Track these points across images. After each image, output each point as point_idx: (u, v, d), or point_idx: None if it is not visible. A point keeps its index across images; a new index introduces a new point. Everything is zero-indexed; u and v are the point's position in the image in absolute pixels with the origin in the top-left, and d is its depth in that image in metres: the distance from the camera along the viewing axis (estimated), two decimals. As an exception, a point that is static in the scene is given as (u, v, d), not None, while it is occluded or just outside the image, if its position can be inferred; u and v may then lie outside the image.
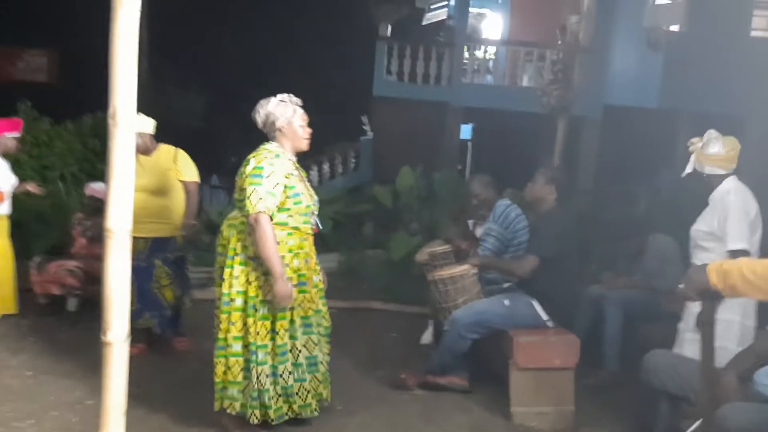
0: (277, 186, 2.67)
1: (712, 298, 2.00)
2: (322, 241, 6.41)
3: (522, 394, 3.18)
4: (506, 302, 3.33)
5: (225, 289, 2.73)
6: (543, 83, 6.50)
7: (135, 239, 3.27)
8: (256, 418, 2.72)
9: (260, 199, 2.63)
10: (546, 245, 3.28)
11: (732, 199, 2.88)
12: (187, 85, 13.90)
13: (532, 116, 7.35)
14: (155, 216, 3.60)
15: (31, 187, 4.34)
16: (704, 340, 2.08)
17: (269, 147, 2.80)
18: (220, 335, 2.74)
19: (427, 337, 4.20)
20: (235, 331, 2.72)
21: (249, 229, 2.68)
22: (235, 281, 2.71)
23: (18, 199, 4.41)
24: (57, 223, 5.50)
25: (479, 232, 4.22)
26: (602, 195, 7.04)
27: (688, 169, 3.01)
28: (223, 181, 10.09)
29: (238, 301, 2.72)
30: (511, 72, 10.57)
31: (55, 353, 3.59)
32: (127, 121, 2.02)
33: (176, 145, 3.83)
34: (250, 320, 2.70)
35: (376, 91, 10.43)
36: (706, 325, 2.06)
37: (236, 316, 2.73)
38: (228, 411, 2.75)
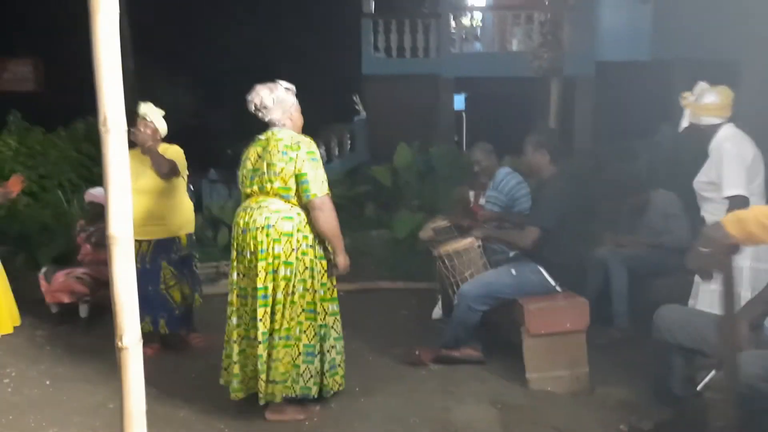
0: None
1: (733, 252, 1.98)
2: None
3: (536, 360, 3.21)
4: (513, 271, 3.34)
5: (292, 281, 2.75)
6: (533, 46, 6.43)
7: (137, 242, 3.29)
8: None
9: (322, 182, 2.75)
10: (547, 216, 3.27)
11: (727, 146, 2.87)
12: (175, 81, 13.78)
13: (525, 81, 7.28)
14: (157, 218, 3.59)
15: (14, 186, 4.22)
16: (725, 292, 2.05)
17: (292, 133, 2.83)
18: (287, 326, 2.76)
19: (437, 312, 4.23)
20: (300, 318, 2.81)
21: (307, 216, 2.76)
22: (305, 272, 2.77)
23: (20, 212, 4.42)
24: (60, 232, 5.52)
25: (482, 201, 4.23)
26: (602, 154, 7.00)
27: (684, 124, 2.99)
28: (221, 175, 10.07)
29: (302, 290, 2.79)
30: (500, 37, 10.45)
31: (72, 360, 3.63)
32: (118, 127, 2.00)
33: (170, 142, 3.81)
34: (318, 303, 2.83)
35: (366, 70, 10.34)
36: (727, 277, 2.02)
37: (303, 303, 2.81)
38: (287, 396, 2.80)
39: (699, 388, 2.39)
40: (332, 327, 2.93)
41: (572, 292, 3.34)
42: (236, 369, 2.83)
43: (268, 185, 2.76)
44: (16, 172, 6.33)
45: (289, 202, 2.77)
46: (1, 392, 3.26)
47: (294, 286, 2.75)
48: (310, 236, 2.79)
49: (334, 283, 2.96)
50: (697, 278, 3.09)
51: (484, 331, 3.46)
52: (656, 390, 2.91)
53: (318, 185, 2.73)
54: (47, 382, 3.36)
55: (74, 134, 7.36)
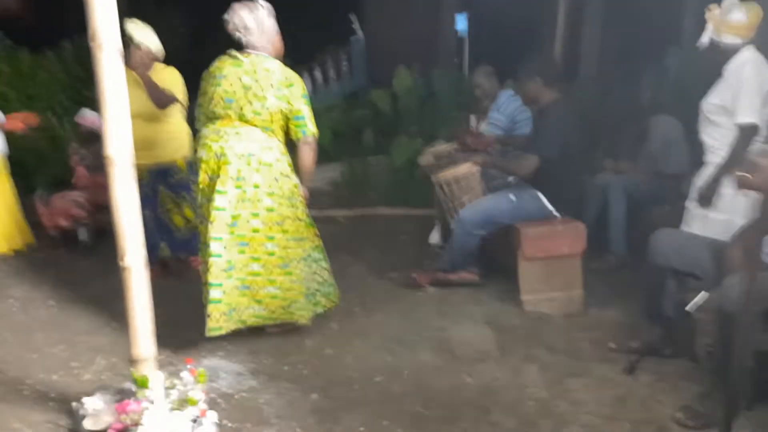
0: None
1: None
2: (322, 152, 6.38)
3: (531, 282, 3.27)
4: (512, 197, 3.34)
5: (276, 210, 2.76)
6: (540, -37, 6.10)
7: (136, 167, 3.24)
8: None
9: (313, 122, 2.80)
10: (548, 145, 3.23)
11: (747, 70, 2.76)
12: (170, 3, 13.20)
13: (531, 0, 6.98)
14: (152, 142, 3.52)
15: (23, 121, 4.20)
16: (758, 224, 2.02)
17: (276, 63, 2.76)
18: (281, 254, 2.79)
19: (435, 236, 4.27)
20: (293, 246, 2.86)
21: (287, 141, 2.80)
22: (287, 200, 2.79)
23: (12, 136, 4.35)
24: (54, 156, 5.45)
25: (483, 126, 4.17)
26: (607, 78, 6.82)
27: (704, 39, 2.84)
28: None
29: (289, 219, 2.83)
30: (505, -47, 9.91)
31: (75, 282, 3.68)
32: (110, 41, 1.93)
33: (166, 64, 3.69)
34: (305, 230, 2.88)
35: (363, -13, 9.88)
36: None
37: (292, 231, 2.85)
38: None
39: (688, 308, 2.47)
40: (318, 247, 2.99)
41: (571, 218, 3.36)
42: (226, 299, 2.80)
43: (251, 115, 2.69)
44: (5, 95, 6.18)
45: (266, 133, 2.73)
46: (8, 312, 3.33)
47: (281, 215, 2.76)
48: (288, 167, 2.80)
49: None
50: (688, 203, 3.10)
51: (481, 255, 3.50)
52: (647, 311, 2.99)
53: (312, 123, 2.79)
54: (51, 303, 3.44)
55: (62, 55, 7.11)
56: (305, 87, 2.80)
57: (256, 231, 2.75)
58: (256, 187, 2.71)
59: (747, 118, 2.74)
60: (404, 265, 3.88)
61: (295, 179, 2.85)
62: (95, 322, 3.17)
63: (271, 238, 2.77)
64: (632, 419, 2.30)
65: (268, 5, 2.77)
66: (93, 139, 4.32)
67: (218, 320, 2.76)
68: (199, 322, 3.10)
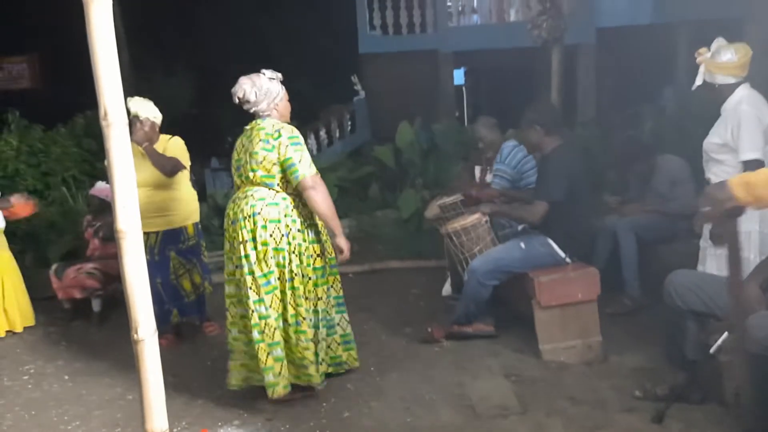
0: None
1: (736, 214, 1.96)
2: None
3: (549, 331, 3.22)
4: (522, 245, 3.33)
5: (287, 267, 2.77)
6: (532, 15, 6.31)
7: (145, 234, 3.28)
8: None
9: (309, 164, 2.76)
10: (554, 189, 3.25)
11: (745, 108, 2.79)
12: (171, 71, 13.68)
13: (525, 51, 7.19)
14: (162, 209, 3.59)
15: (18, 201, 4.26)
16: (731, 255, 2.05)
17: (275, 120, 2.82)
18: (293, 312, 2.78)
19: (447, 288, 4.24)
20: (304, 304, 2.83)
21: (295, 201, 2.78)
22: (296, 257, 2.78)
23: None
24: (68, 228, 5.54)
25: (488, 177, 4.21)
26: (606, 121, 6.93)
27: (698, 82, 2.89)
28: (223, 163, 10.05)
29: (300, 276, 2.80)
30: (497, 8, 10.27)
31: (88, 355, 3.67)
32: (120, 119, 1.99)
33: (170, 133, 3.80)
34: (321, 289, 2.87)
35: (363, 48, 10.22)
36: (732, 240, 2.02)
37: (302, 289, 2.82)
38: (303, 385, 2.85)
39: (712, 351, 2.40)
40: (332, 308, 2.96)
41: (582, 262, 3.34)
42: (243, 360, 2.86)
43: (251, 174, 2.77)
44: (20, 171, 6.35)
45: (273, 189, 2.77)
46: (22, 388, 3.30)
47: (292, 272, 2.77)
48: (299, 221, 2.80)
49: (333, 263, 2.95)
50: (702, 243, 3.07)
51: (495, 305, 3.46)
52: (669, 355, 2.92)
53: (305, 166, 2.73)
54: (66, 377, 3.41)
55: (74, 130, 7.34)
56: (299, 134, 2.78)
57: (272, 289, 2.76)
58: (264, 244, 2.73)
59: (751, 154, 2.76)
60: (418, 319, 3.84)
61: (312, 234, 2.84)
62: (110, 395, 3.13)
63: (284, 294, 2.77)
64: (665, 471, 2.21)
65: (270, 72, 2.86)
66: (107, 210, 4.40)
67: (281, 378, 2.77)
68: (214, 389, 3.07)
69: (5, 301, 4.13)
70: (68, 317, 4.31)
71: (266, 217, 2.74)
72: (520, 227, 3.59)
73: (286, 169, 2.73)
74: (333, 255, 2.95)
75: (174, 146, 3.69)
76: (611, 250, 3.82)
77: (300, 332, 2.79)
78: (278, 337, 2.76)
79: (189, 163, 3.76)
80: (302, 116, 10.16)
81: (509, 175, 4.00)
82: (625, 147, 4.40)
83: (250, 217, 2.74)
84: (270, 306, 2.75)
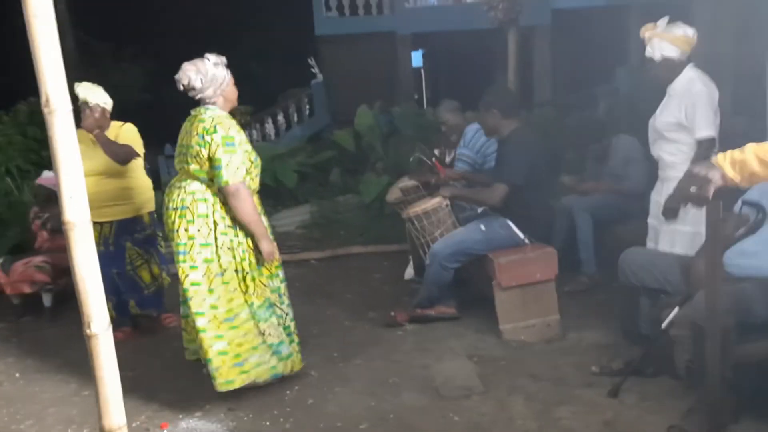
0: (244, 153, 2.72)
1: (726, 194, 1.91)
2: (290, 195, 6.37)
3: (509, 311, 3.27)
4: (482, 227, 3.36)
5: (216, 262, 2.69)
6: (488, -3, 6.30)
7: (98, 225, 3.17)
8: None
9: (237, 168, 2.66)
10: (513, 171, 3.28)
11: (699, 87, 2.89)
12: (122, 56, 13.19)
13: (482, 33, 7.21)
14: (115, 198, 3.47)
15: None
16: (713, 239, 2.05)
17: (218, 112, 2.73)
18: (226, 308, 2.71)
19: (409, 272, 4.26)
20: (238, 298, 2.73)
21: (224, 198, 2.69)
22: (227, 251, 2.71)
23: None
24: (14, 221, 5.30)
25: (448, 159, 4.22)
26: (562, 102, 7.04)
27: (655, 55, 2.93)
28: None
29: (231, 270, 2.72)
30: (454, -10, 10.26)
31: (40, 351, 3.54)
32: (63, 107, 1.90)
33: (122, 120, 3.66)
34: (250, 283, 2.75)
35: (319, 31, 10.08)
36: (715, 223, 1.99)
37: (235, 284, 2.73)
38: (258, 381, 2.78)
39: (664, 325, 2.49)
40: (274, 304, 2.84)
41: (541, 243, 3.39)
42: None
43: (186, 166, 2.72)
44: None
45: (204, 184, 2.72)
46: (-30, 389, 3.17)
47: (221, 266, 2.70)
48: (228, 217, 2.72)
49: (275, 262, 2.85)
50: (651, 221, 3.17)
51: (457, 287, 3.50)
52: (624, 331, 3.02)
53: (231, 172, 2.64)
54: (17, 375, 3.28)
55: (17, 118, 7.02)
56: (236, 134, 2.69)
57: (196, 284, 2.68)
58: (191, 238, 2.68)
59: (706, 132, 2.85)
60: (381, 304, 3.85)
61: (244, 230, 2.74)
62: (64, 392, 3.03)
63: (212, 291, 2.70)
64: (622, 443, 2.28)
65: (215, 57, 2.77)
66: (54, 201, 4.21)
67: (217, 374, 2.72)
68: (175, 382, 3.01)
69: None
70: (18, 313, 4.14)
71: (194, 211, 2.69)
72: (480, 210, 3.62)
73: (213, 168, 2.66)
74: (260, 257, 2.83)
75: (127, 133, 3.56)
76: (568, 230, 3.91)
77: (233, 328, 2.71)
78: (221, 330, 2.69)
79: (143, 151, 3.64)
80: (259, 100, 9.97)
81: (471, 159, 4.02)
82: (580, 128, 4.48)
83: (178, 209, 2.71)
84: (192, 300, 2.68)
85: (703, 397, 2.20)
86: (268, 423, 2.61)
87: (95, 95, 3.44)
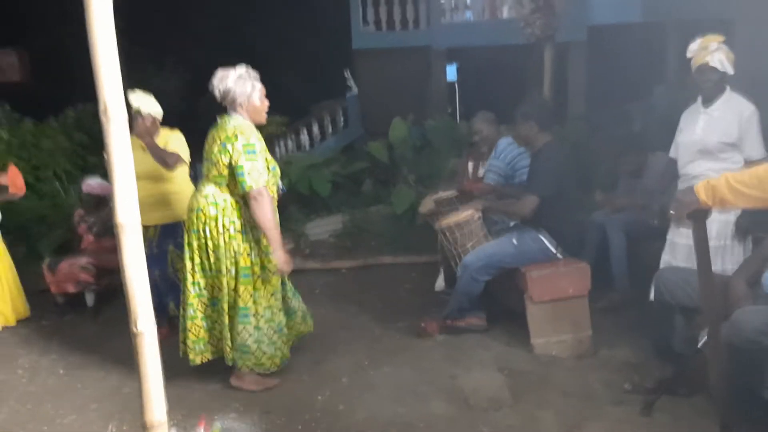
0: (264, 161, 2.85)
1: (701, 217, 2.12)
2: (324, 204, 6.47)
3: (540, 325, 3.27)
4: (514, 241, 3.38)
5: (243, 264, 2.87)
6: (524, 13, 6.35)
7: (144, 228, 3.28)
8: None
9: (260, 174, 2.78)
10: (544, 184, 3.29)
11: (752, 108, 2.92)
12: (165, 66, 13.60)
13: (517, 48, 7.22)
14: (161, 203, 3.61)
15: (15, 178, 4.25)
16: (700, 256, 2.15)
17: (240, 121, 2.84)
18: (247, 304, 2.89)
19: (440, 283, 4.28)
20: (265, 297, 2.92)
21: (246, 203, 2.83)
22: (231, 255, 2.86)
23: (18, 204, 4.42)
24: (60, 222, 5.52)
25: (481, 172, 4.24)
26: (597, 118, 6.99)
27: (712, 63, 2.91)
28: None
29: (246, 274, 2.88)
30: (490, 5, 10.29)
31: (82, 348, 3.67)
32: (119, 115, 2.00)
33: (170, 126, 3.80)
34: (247, 287, 2.90)
35: (356, 44, 10.22)
36: (700, 241, 2.14)
37: (257, 284, 2.90)
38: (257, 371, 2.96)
39: (700, 345, 2.46)
40: (255, 315, 2.93)
41: (573, 258, 3.39)
42: (202, 333, 2.99)
43: (207, 171, 2.89)
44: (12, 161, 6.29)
45: (219, 188, 2.85)
46: (17, 382, 3.31)
47: (222, 271, 2.85)
48: (238, 222, 2.85)
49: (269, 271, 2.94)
50: (670, 235, 3.15)
51: (487, 299, 3.51)
52: (658, 349, 2.99)
53: (254, 177, 2.76)
54: (60, 371, 3.41)
55: (65, 123, 7.31)
56: (256, 141, 2.79)
57: (216, 274, 2.88)
58: (202, 239, 2.86)
59: (758, 152, 2.92)
60: (410, 313, 3.88)
61: (252, 236, 2.87)
62: (105, 388, 3.14)
63: (220, 287, 2.89)
64: (653, 462, 2.26)
65: (242, 69, 2.86)
66: (99, 205, 4.40)
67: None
68: (210, 382, 3.09)
69: (2, 295, 4.13)
70: (61, 311, 4.31)
71: (207, 214, 2.84)
72: (512, 223, 3.63)
73: (235, 175, 2.79)
74: (269, 265, 2.93)
75: (175, 140, 3.71)
76: (600, 245, 3.88)
77: (244, 322, 2.90)
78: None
79: (189, 159, 3.78)
80: (295, 111, 10.17)
81: (503, 171, 4.04)
82: (614, 144, 4.45)
83: (194, 210, 2.87)
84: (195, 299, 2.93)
85: (737, 418, 2.17)
86: (300, 427, 2.67)
87: (148, 104, 3.59)
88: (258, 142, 2.82)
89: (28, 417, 2.91)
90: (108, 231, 3.88)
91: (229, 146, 2.77)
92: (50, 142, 6.88)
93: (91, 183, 4.43)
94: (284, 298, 3.09)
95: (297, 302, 3.19)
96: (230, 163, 2.78)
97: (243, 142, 2.76)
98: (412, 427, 2.60)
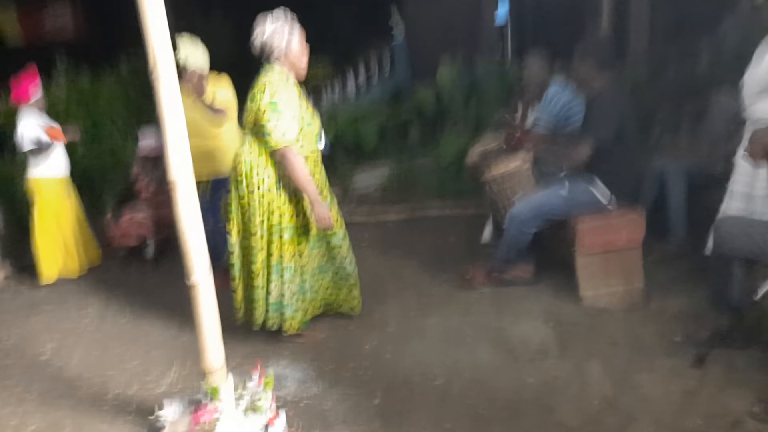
0: (293, 117, 2.74)
1: None
2: (369, 156, 6.44)
3: (590, 277, 3.21)
4: (563, 192, 3.28)
5: (276, 221, 2.84)
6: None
7: (196, 183, 3.37)
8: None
9: (284, 133, 2.71)
10: (601, 129, 3.14)
11: None
12: (211, 10, 13.53)
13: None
14: (212, 157, 3.67)
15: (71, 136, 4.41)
16: None
17: (273, 75, 2.78)
18: (284, 262, 2.90)
19: (486, 235, 4.24)
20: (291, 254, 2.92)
21: (277, 161, 2.79)
22: (276, 211, 2.84)
23: (80, 162, 4.60)
24: (120, 176, 5.72)
25: (530, 119, 4.08)
26: (659, 56, 6.56)
27: None
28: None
29: (290, 229, 2.87)
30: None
31: (143, 298, 3.88)
32: (169, 74, 2.04)
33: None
34: (278, 245, 2.87)
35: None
36: None
37: (296, 240, 2.91)
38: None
39: (757, 297, 2.37)
40: (290, 270, 2.92)
41: (627, 207, 3.27)
42: (239, 292, 3.07)
43: (246, 122, 2.85)
44: (70, 116, 6.51)
45: (251, 143, 2.82)
46: (86, 329, 3.55)
47: (262, 223, 2.83)
48: (274, 177, 2.80)
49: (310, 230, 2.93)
50: (730, 183, 2.98)
51: (534, 251, 3.46)
52: (713, 301, 2.89)
53: (279, 134, 2.69)
54: (123, 320, 3.63)
55: (119, 72, 7.41)
56: (283, 98, 2.70)
57: (248, 235, 2.91)
58: (241, 197, 2.87)
59: None
60: (457, 264, 3.88)
61: (285, 194, 2.84)
62: (166, 335, 3.33)
63: (247, 249, 2.94)
64: (704, 414, 2.24)
65: (280, 18, 2.77)
66: (153, 162, 4.54)
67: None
68: (260, 332, 3.22)
69: (79, 243, 4.37)
70: (123, 262, 4.55)
71: (239, 170, 2.83)
72: (562, 173, 3.53)
73: (262, 135, 2.73)
74: (308, 223, 2.90)
75: (223, 92, 3.72)
76: (658, 192, 3.72)
77: (254, 280, 2.94)
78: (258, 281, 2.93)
79: (236, 110, 3.77)
80: (342, 55, 10.01)
81: (551, 124, 3.88)
82: (678, 84, 4.19)
83: (234, 167, 2.88)
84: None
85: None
86: (347, 374, 2.77)
87: (194, 57, 3.55)
88: (286, 97, 2.72)
89: (96, 361, 3.13)
90: (164, 186, 4.01)
91: (258, 99, 2.74)
92: (107, 92, 7.02)
93: (144, 145, 4.54)
94: (331, 257, 3.07)
95: (349, 268, 3.13)
96: (256, 119, 2.76)
97: (268, 99, 2.70)
98: (457, 375, 2.66)
